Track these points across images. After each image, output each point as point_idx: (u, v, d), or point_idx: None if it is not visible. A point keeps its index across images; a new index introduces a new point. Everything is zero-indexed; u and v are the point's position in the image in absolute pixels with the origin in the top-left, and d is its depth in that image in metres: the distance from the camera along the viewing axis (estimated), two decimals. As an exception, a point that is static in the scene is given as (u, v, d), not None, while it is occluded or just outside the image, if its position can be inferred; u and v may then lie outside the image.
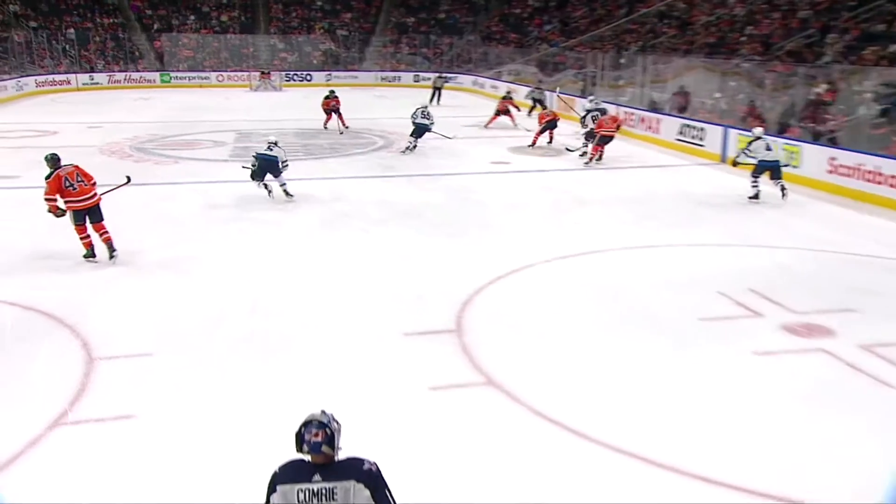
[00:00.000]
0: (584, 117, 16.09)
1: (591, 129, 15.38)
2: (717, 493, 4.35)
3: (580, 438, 4.88)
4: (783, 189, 11.80)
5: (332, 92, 20.14)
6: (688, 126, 16.60)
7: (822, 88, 15.03)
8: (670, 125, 17.25)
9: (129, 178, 9.27)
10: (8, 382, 5.62)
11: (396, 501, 2.95)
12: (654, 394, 5.51)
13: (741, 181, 12.27)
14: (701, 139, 15.99)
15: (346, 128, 19.63)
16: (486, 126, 20.54)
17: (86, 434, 4.93)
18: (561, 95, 21.86)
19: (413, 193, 12.21)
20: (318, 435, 2.92)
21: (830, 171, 12.44)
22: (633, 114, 18.93)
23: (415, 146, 16.34)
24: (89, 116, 22.25)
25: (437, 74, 29.93)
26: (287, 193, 11.61)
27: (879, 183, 11.53)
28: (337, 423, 3.02)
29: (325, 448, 2.92)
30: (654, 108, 19.10)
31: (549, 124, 17.30)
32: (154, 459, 4.66)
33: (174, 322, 6.75)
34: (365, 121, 21.24)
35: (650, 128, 18.00)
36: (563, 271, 8.35)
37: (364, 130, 19.55)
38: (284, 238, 9.55)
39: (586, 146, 15.52)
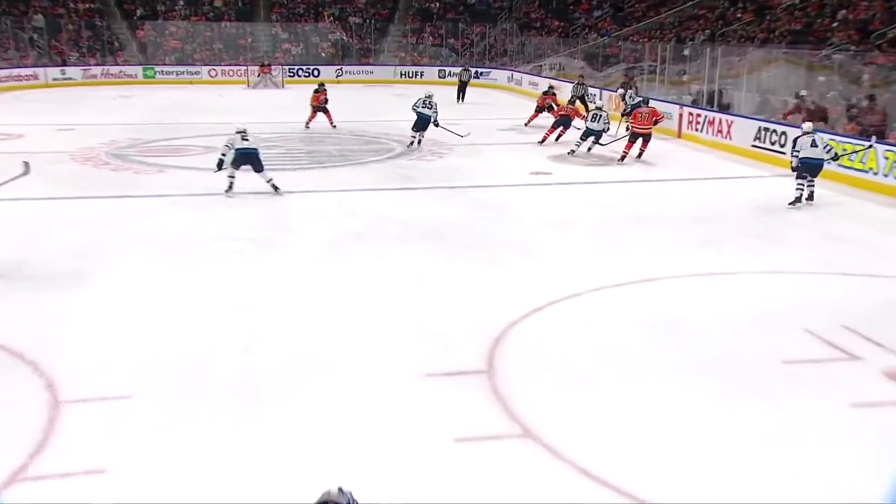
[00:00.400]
0: (594, 113, 16.87)
1: (591, 128, 16.43)
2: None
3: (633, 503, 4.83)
4: (812, 193, 12.30)
5: (322, 85, 21.27)
6: (766, 130, 16.50)
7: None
8: (745, 129, 17.17)
9: (27, 165, 9.15)
10: (-40, 428, 5.70)
11: None
12: (727, 452, 5.41)
13: (832, 195, 12.15)
14: (782, 145, 15.87)
15: (334, 127, 20.50)
16: (526, 125, 20.78)
17: (49, 491, 4.94)
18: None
19: (437, 209, 12.28)
20: None
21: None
22: (699, 115, 18.88)
23: (418, 141, 17.01)
24: (60, 117, 22.67)
25: (462, 67, 30.25)
26: (275, 188, 12.57)
27: None
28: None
29: None
30: (726, 108, 19.04)
31: (561, 121, 17.68)
32: (128, 522, 4.67)
33: (156, 360, 6.77)
34: (381, 123, 21.45)
35: (720, 132, 17.91)
36: (615, 302, 8.29)
37: (380, 135, 19.73)
38: (287, 261, 9.61)
39: (579, 145, 16.69)
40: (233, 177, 12.28)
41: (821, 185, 12.65)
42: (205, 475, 5.12)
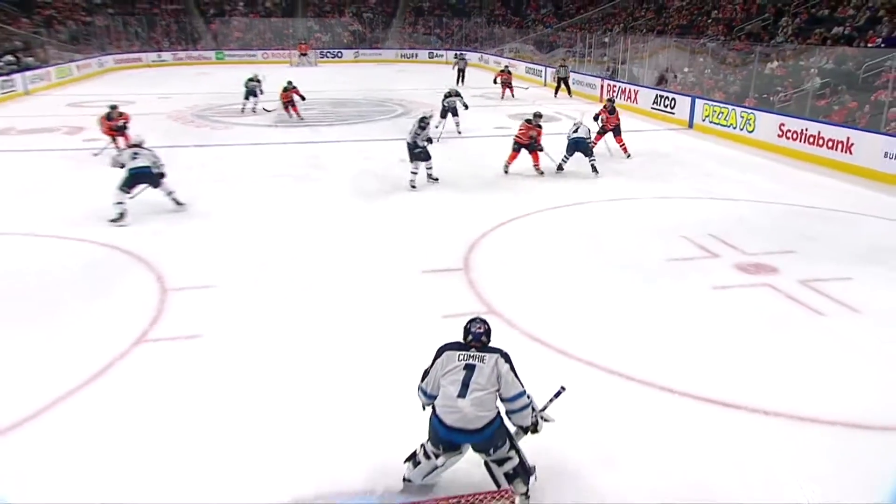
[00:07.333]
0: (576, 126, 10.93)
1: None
2: (681, 402, 4.42)
3: (565, 357, 4.94)
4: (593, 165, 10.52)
5: (290, 83, 15.44)
6: (661, 96, 16.24)
7: (775, 65, 14.64)
8: (646, 96, 16.87)
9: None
10: (99, 309, 5.71)
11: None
12: (628, 320, 5.53)
13: (706, 143, 12.00)
14: (672, 108, 15.66)
15: (301, 119, 15.37)
16: (502, 98, 19.65)
17: (162, 350, 5.04)
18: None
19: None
20: (480, 327, 3.50)
21: (780, 136, 12.20)
22: (615, 86, 18.51)
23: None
24: (158, 88, 21.97)
25: (457, 55, 26.66)
26: (177, 202, 8.50)
27: (820, 145, 11.31)
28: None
29: (483, 338, 3.49)
30: (633, 81, 18.66)
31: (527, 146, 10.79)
32: (217, 371, 4.76)
33: (232, 261, 6.81)
34: (387, 91, 20.93)
35: (629, 98, 17.61)
36: (554, 220, 8.30)
37: (386, 100, 19.25)
38: (320, 192, 9.51)
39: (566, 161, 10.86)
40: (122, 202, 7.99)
41: (700, 136, 12.51)
42: (268, 338, 5.20)
